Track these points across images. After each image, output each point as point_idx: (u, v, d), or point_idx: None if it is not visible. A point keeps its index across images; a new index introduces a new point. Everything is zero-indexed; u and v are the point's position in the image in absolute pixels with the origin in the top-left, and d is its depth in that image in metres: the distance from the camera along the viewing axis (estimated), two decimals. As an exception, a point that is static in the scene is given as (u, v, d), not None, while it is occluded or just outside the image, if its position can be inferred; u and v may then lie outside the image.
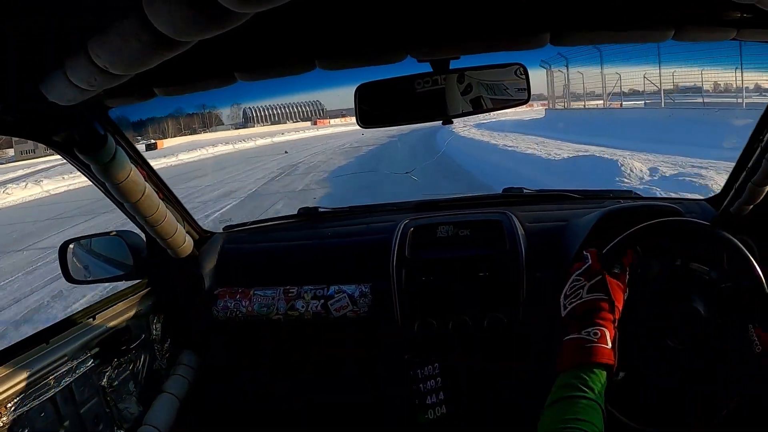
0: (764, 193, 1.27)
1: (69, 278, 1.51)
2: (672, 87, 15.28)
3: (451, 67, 1.10)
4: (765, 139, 1.21)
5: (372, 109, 1.15)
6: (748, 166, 1.30)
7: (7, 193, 13.13)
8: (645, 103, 16.35)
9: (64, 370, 1.18)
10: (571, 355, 0.93)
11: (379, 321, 1.48)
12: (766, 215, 1.32)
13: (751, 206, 1.32)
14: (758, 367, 1.06)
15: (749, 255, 1.12)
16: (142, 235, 1.50)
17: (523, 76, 1.13)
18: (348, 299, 1.47)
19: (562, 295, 1.14)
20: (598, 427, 0.77)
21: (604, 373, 0.89)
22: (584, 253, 1.17)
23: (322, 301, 1.48)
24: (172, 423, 1.42)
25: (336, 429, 1.58)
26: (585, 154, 9.30)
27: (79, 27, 0.58)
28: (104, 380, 1.32)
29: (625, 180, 6.76)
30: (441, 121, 1.20)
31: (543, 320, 1.42)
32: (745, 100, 12.08)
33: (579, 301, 1.05)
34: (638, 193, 1.65)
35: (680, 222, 1.25)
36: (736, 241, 1.13)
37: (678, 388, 1.19)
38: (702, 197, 1.57)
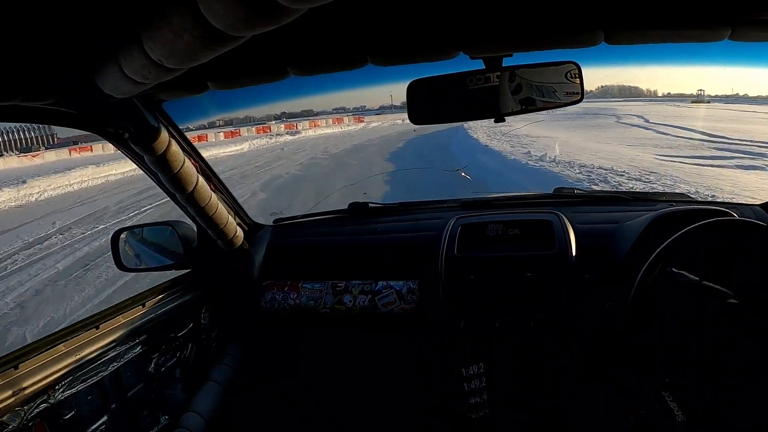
0: None
1: (120, 266, 1.53)
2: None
3: (503, 65, 1.10)
4: None
5: (423, 105, 1.15)
6: None
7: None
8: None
9: (112, 355, 1.21)
10: None
11: (426, 318, 1.47)
12: None
13: None
14: None
15: None
16: (194, 226, 1.52)
17: (577, 75, 1.12)
18: (396, 295, 1.47)
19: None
20: None
21: None
22: None
23: (370, 296, 1.48)
24: (217, 410, 1.44)
25: (378, 423, 1.56)
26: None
27: (133, 21, 0.58)
28: (151, 366, 1.34)
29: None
30: (493, 120, 1.20)
31: (590, 323, 1.40)
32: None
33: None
34: (691, 196, 1.61)
35: (737, 222, 1.21)
36: None
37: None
38: (757, 203, 1.53)
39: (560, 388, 1.45)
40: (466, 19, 0.94)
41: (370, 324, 1.52)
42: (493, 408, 1.46)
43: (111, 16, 0.62)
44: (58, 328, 1.16)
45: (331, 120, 42.54)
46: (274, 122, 44.72)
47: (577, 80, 1.14)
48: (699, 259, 1.18)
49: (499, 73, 1.12)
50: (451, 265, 1.46)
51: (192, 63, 0.58)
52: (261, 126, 38.00)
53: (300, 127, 35.73)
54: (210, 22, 0.47)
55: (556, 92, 1.14)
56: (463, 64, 1.10)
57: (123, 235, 1.55)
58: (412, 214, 1.69)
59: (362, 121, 40.98)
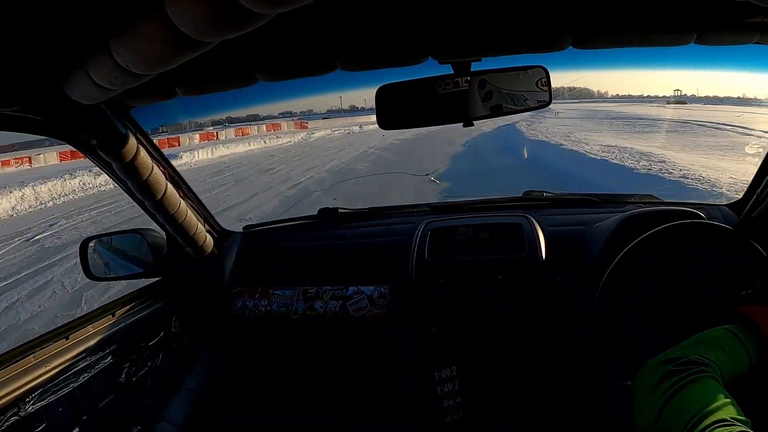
0: None
1: (89, 275, 1.51)
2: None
3: (472, 69, 1.10)
4: None
5: (392, 110, 1.15)
6: None
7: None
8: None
9: (83, 365, 1.19)
10: None
11: (397, 322, 1.47)
12: None
13: None
14: None
15: None
16: (163, 234, 1.50)
17: (545, 79, 1.13)
18: (367, 300, 1.47)
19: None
20: None
21: None
22: None
23: (341, 301, 1.48)
24: (189, 419, 1.43)
25: (351, 428, 1.57)
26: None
27: (101, 27, 0.58)
28: (122, 377, 1.33)
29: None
30: (462, 124, 1.20)
31: (562, 324, 1.42)
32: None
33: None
34: (659, 198, 1.63)
35: (704, 225, 1.24)
36: (758, 246, 1.12)
37: None
38: (724, 203, 1.55)
39: (533, 389, 1.47)
40: (434, 25, 0.95)
41: (342, 329, 1.52)
42: (467, 411, 1.47)
43: (79, 22, 0.62)
44: (27, 340, 1.14)
45: (264, 127, 34.05)
46: (212, 128, 35.19)
47: (546, 82, 1.15)
48: (667, 258, 1.21)
49: (468, 78, 1.12)
50: (421, 269, 1.46)
51: (161, 69, 0.58)
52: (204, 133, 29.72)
53: (223, 136, 27.63)
54: (179, 28, 0.47)
55: (527, 100, 1.15)
56: (431, 68, 1.10)
57: (92, 244, 1.53)
58: (382, 219, 1.69)
59: (305, 128, 33.12)
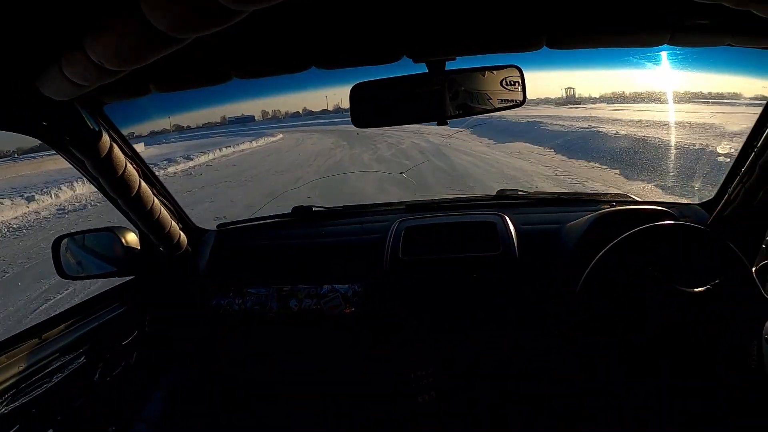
0: (758, 199, 1.28)
1: (62, 274, 1.49)
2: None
3: (447, 68, 1.10)
4: (759, 145, 1.22)
5: (366, 108, 1.15)
6: (742, 171, 1.31)
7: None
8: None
9: (56, 365, 1.18)
10: None
11: (372, 320, 1.48)
12: (759, 220, 1.33)
13: (744, 211, 1.33)
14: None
15: (744, 259, 1.14)
16: (136, 232, 1.49)
17: (519, 79, 1.13)
18: (341, 298, 1.47)
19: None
20: None
21: None
22: None
23: (316, 299, 1.48)
24: (165, 419, 1.43)
25: (327, 424, 1.58)
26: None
27: (75, 23, 0.57)
28: (97, 376, 1.32)
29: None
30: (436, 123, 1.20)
31: (535, 321, 1.44)
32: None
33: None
34: (632, 196, 1.65)
35: (677, 225, 1.27)
36: (731, 245, 1.15)
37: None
38: (696, 202, 1.57)
39: (509, 385, 1.49)
40: (409, 24, 0.95)
41: (317, 327, 1.52)
42: (442, 408, 1.48)
43: (53, 18, 0.61)
44: (-1, 340, 1.13)
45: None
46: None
47: (520, 81, 1.15)
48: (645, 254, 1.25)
49: (441, 77, 1.12)
50: (396, 267, 1.47)
51: (135, 65, 0.57)
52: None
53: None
54: (153, 24, 0.47)
55: (501, 99, 1.15)
56: (407, 67, 1.10)
57: (64, 242, 1.51)
58: (357, 217, 1.69)
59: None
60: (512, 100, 1.15)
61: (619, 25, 0.93)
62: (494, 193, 1.71)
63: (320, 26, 0.91)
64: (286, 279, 1.53)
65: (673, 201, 1.57)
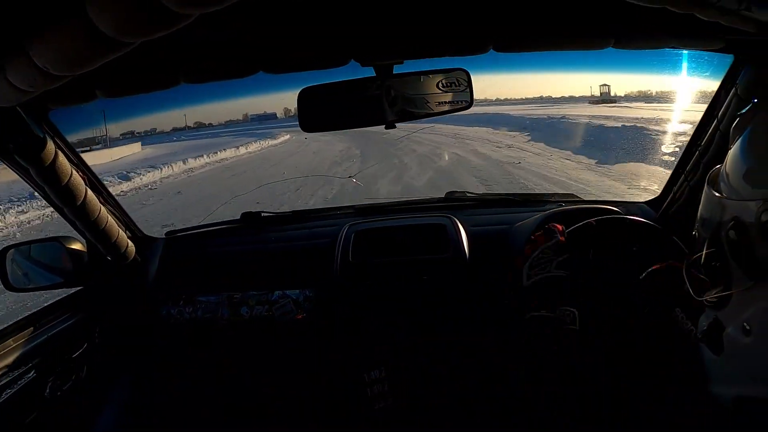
0: (702, 196, 1.34)
1: (8, 286, 1.46)
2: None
3: (395, 72, 1.11)
4: (703, 144, 1.27)
5: (313, 112, 1.15)
6: (686, 170, 1.36)
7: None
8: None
9: (5, 381, 1.16)
10: None
11: (324, 325, 1.49)
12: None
13: (690, 209, 1.38)
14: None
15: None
16: (83, 242, 1.47)
17: (466, 81, 1.15)
18: (292, 304, 1.48)
19: (527, 265, 1.27)
20: None
21: None
22: (550, 227, 1.29)
23: (267, 306, 1.48)
24: (118, 430, 1.41)
25: (285, 428, 1.59)
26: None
27: (18, 26, 0.56)
28: (47, 391, 1.30)
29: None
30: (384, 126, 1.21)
31: (486, 322, 1.46)
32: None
33: (546, 275, 1.19)
34: (579, 196, 1.69)
35: (636, 222, 1.34)
36: (678, 240, 1.24)
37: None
38: (642, 200, 1.62)
39: (461, 386, 1.50)
40: (356, 28, 0.95)
41: (269, 334, 1.52)
42: (398, 411, 1.49)
43: None
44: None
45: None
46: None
47: (467, 84, 1.17)
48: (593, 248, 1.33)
49: (388, 81, 1.13)
50: (346, 271, 1.48)
51: (80, 70, 0.56)
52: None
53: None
54: (99, 28, 0.46)
55: (449, 102, 1.17)
56: (356, 71, 1.11)
57: (10, 253, 1.48)
58: (306, 222, 1.69)
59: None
60: (459, 102, 1.17)
61: (564, 29, 0.95)
62: (443, 196, 1.73)
63: (268, 30, 0.92)
64: (236, 286, 1.52)
65: (620, 200, 1.62)
